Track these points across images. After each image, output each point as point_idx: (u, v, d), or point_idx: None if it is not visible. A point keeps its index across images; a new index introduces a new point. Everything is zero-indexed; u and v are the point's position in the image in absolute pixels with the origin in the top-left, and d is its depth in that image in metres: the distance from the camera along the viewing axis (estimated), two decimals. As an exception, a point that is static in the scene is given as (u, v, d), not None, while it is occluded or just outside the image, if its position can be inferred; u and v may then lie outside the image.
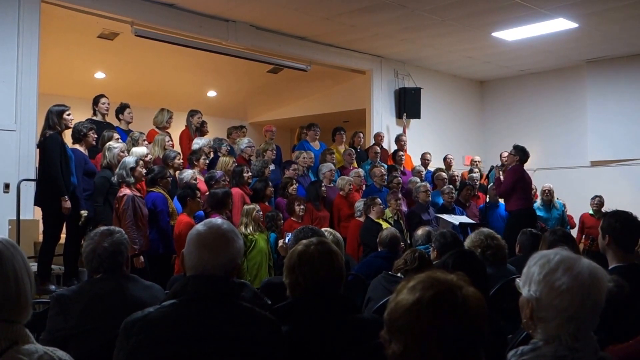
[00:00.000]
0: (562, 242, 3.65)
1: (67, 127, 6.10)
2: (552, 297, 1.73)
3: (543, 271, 1.76)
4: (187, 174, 6.91)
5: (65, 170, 5.84)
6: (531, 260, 1.82)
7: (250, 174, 7.40)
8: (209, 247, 2.17)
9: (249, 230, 6.47)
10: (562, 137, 12.36)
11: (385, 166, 9.65)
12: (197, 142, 7.93)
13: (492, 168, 8.92)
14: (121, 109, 8.02)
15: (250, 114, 14.49)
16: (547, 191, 9.85)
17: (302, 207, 7.20)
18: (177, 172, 7.09)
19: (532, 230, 5.05)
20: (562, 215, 9.90)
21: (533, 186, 10.29)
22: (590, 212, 10.12)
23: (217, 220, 2.33)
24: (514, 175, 8.16)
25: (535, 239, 4.70)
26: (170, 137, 7.91)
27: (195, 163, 7.42)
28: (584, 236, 9.95)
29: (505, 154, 9.61)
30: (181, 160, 7.34)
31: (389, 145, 11.30)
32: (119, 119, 8.03)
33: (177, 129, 9.05)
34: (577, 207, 10.40)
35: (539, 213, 9.59)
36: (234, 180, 7.17)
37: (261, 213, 6.65)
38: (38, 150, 6.17)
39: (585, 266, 1.75)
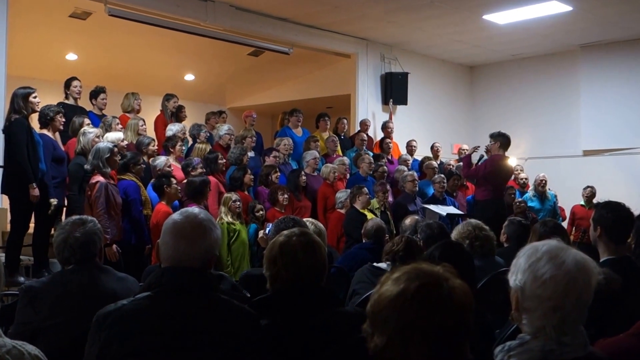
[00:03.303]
0: (554, 234, 3.69)
1: (34, 111, 6.02)
2: (536, 286, 1.75)
3: (529, 260, 1.79)
4: (161, 161, 6.88)
5: (33, 156, 5.77)
6: (521, 251, 1.85)
7: (223, 161, 7.39)
8: (186, 237, 2.17)
9: (230, 219, 6.47)
10: (554, 125, 12.44)
11: (371, 154, 9.67)
12: (171, 128, 7.92)
13: (481, 157, 8.96)
14: (95, 93, 7.95)
15: (229, 99, 14.43)
16: (541, 181, 9.92)
17: (285, 196, 7.20)
18: (151, 159, 7.04)
19: (520, 220, 5.09)
20: (554, 206, 9.98)
21: (523, 176, 10.41)
22: (582, 202, 10.22)
23: (194, 209, 2.34)
24: (491, 166, 8.18)
25: (524, 230, 4.74)
26: (144, 121, 7.85)
27: (171, 150, 7.39)
28: (574, 228, 10.04)
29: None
30: (155, 147, 7.31)
31: (375, 132, 11.31)
32: (92, 103, 7.95)
33: (152, 113, 8.99)
34: (569, 198, 10.49)
35: (530, 204, 9.67)
36: (208, 168, 7.16)
37: (239, 203, 6.64)
38: (3, 135, 6.09)
39: (571, 256, 1.77)
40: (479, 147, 9.26)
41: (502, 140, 8.27)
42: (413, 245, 4.16)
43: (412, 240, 4.22)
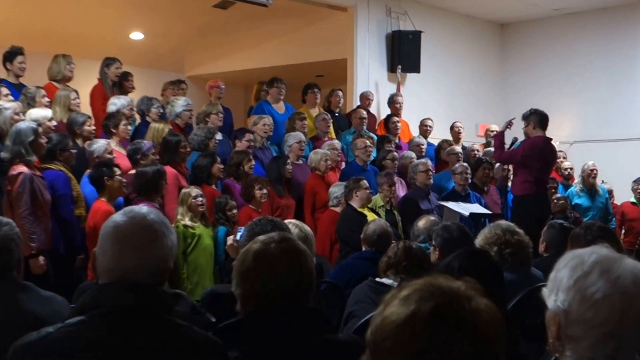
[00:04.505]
0: (601, 239, 3.71)
1: None
2: (585, 308, 1.75)
3: (574, 275, 1.78)
4: (99, 145, 6.83)
5: None
6: (561, 261, 1.84)
7: (187, 147, 7.35)
8: (131, 245, 2.17)
9: (188, 222, 6.47)
10: (607, 101, 12.49)
11: (375, 137, 9.67)
12: (114, 102, 7.87)
13: (514, 140, 8.96)
14: (10, 55, 7.89)
15: (189, 65, 14.36)
16: (591, 172, 9.97)
17: (264, 191, 7.20)
18: (87, 143, 7.01)
19: (562, 224, 5.11)
20: (606, 204, 10.04)
21: (567, 165, 10.44)
22: (632, 199, 10.27)
23: (142, 208, 2.33)
24: (531, 148, 8.21)
25: (567, 236, 4.77)
26: (77, 94, 7.81)
27: (113, 131, 7.34)
28: (623, 231, 10.09)
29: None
30: (92, 127, 7.28)
31: (378, 108, 11.32)
32: (7, 69, 7.91)
33: (87, 83, 8.95)
34: (624, 193, 10.56)
35: (577, 201, 9.73)
36: (165, 156, 7.13)
37: (203, 200, 6.63)
38: None
39: (628, 268, 1.77)
40: (512, 121, 9.09)
41: (536, 119, 8.31)
42: (416, 254, 4.17)
43: (415, 248, 4.24)
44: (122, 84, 8.74)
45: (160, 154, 7.16)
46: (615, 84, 12.48)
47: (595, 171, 10.00)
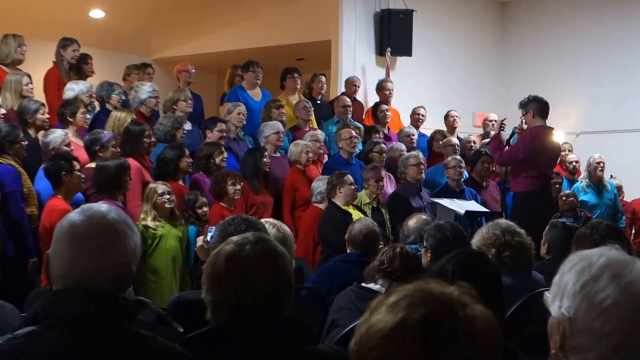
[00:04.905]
0: (610, 240, 3.72)
1: None
2: (593, 317, 1.74)
3: (581, 279, 1.77)
4: (56, 136, 6.82)
5: None
6: (566, 264, 1.84)
7: (153, 139, 7.34)
8: (89, 247, 2.16)
9: (150, 221, 6.46)
10: (618, 88, 12.54)
11: (362, 127, 9.68)
12: (72, 88, 7.84)
13: (514, 131, 8.99)
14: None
15: (155, 46, 14.29)
16: (597, 165, 10.01)
17: (237, 187, 7.20)
18: (40, 134, 6.98)
19: (565, 222, 5.13)
20: (614, 200, 10.09)
21: (572, 158, 10.49)
22: (642, 196, 10.34)
23: (101, 206, 2.33)
24: (532, 141, 8.22)
25: (572, 236, 4.79)
26: (30, 78, 7.77)
27: (70, 119, 7.32)
28: (634, 231, 10.14)
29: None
30: (47, 115, 7.24)
31: (366, 95, 11.33)
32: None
33: (41, 66, 8.92)
34: (635, 189, 10.63)
35: (582, 197, 9.76)
36: (127, 147, 7.11)
37: (170, 197, 6.62)
38: None
39: (640, 273, 1.78)
40: (505, 122, 9.20)
41: (535, 106, 8.31)
42: (414, 262, 4.18)
43: (412, 255, 4.24)
44: (80, 68, 8.71)
45: (121, 145, 7.13)
46: (628, 67, 12.51)
47: (602, 164, 10.02)
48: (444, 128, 10.74)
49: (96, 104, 8.34)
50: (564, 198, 9.23)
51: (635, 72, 12.42)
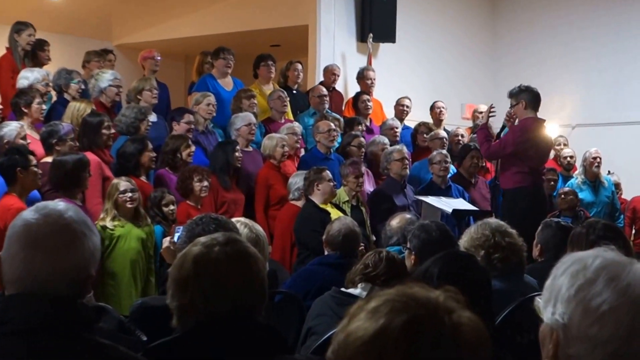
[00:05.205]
0: (607, 240, 3.75)
1: None
2: (588, 323, 1.74)
3: (576, 283, 1.78)
4: (10, 129, 6.79)
5: None
6: (559, 266, 1.84)
7: (112, 131, 7.31)
8: (44, 248, 2.16)
9: (109, 221, 6.45)
10: (616, 78, 12.60)
11: (342, 119, 9.68)
12: (27, 76, 7.82)
13: (504, 124, 9.02)
14: None
15: (118, 31, 14.25)
16: (594, 160, 10.05)
17: (205, 184, 7.19)
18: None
19: (559, 222, 5.16)
20: (612, 198, 10.13)
21: (568, 152, 10.53)
22: (643, 193, 10.39)
23: (58, 204, 2.31)
24: (522, 134, 8.19)
25: (567, 237, 4.82)
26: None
27: (24, 110, 7.30)
28: (634, 231, 10.19)
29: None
30: (-1, 106, 7.22)
31: (346, 85, 11.33)
32: None
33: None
34: (634, 185, 10.68)
35: (580, 195, 9.80)
36: (85, 139, 7.09)
37: (133, 195, 6.60)
38: None
39: (639, 276, 1.77)
40: (493, 108, 9.11)
41: (527, 97, 8.26)
42: (399, 267, 4.19)
43: (393, 260, 4.26)
44: (35, 54, 8.69)
45: (78, 137, 7.10)
46: (626, 58, 12.56)
47: (598, 159, 10.04)
48: (430, 120, 10.76)
49: (53, 93, 8.28)
50: (562, 196, 9.28)
51: (634, 57, 12.48)
